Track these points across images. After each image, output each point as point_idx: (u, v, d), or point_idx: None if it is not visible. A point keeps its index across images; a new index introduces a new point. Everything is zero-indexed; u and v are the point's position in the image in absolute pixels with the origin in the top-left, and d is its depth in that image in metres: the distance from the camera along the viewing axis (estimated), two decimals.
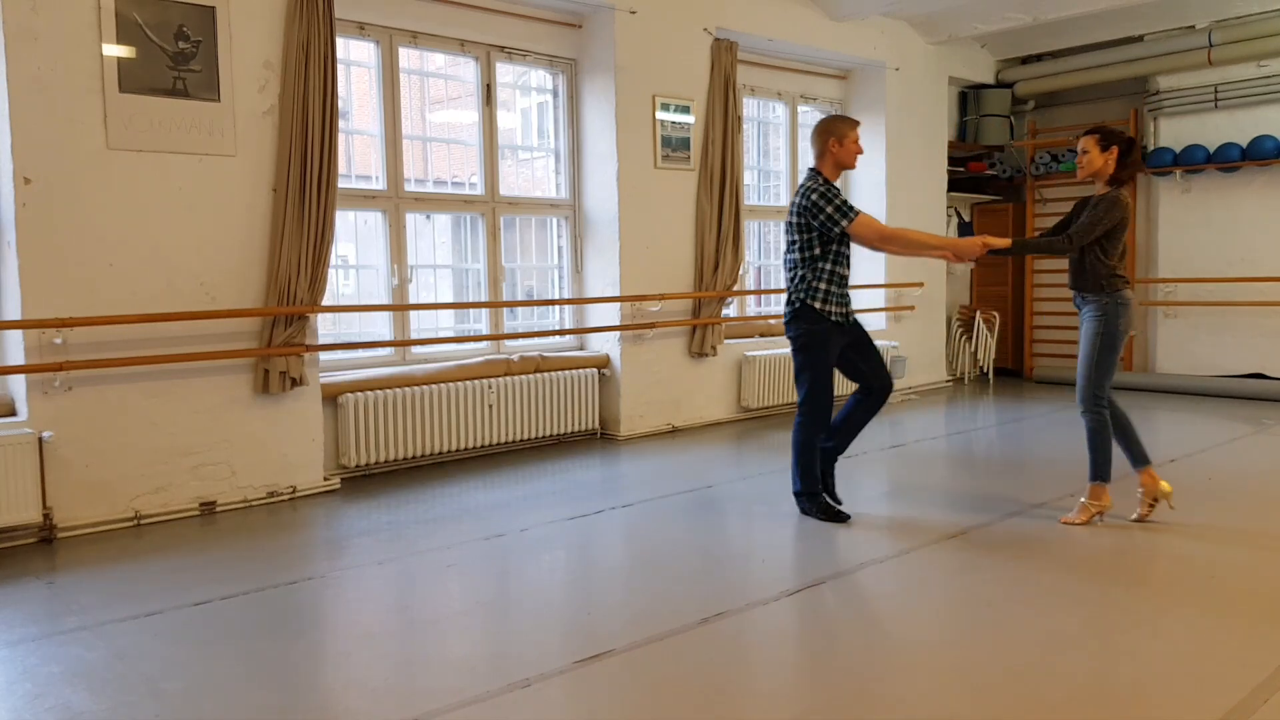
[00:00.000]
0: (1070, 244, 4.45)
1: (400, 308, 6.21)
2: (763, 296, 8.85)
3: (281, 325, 5.22)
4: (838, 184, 4.73)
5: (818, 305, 4.58)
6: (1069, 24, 8.79)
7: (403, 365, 6.18)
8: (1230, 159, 8.69)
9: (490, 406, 6.34)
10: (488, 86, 6.67)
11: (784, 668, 3.13)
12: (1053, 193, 10.07)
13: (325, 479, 5.53)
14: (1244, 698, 2.79)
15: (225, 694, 2.92)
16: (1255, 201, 8.78)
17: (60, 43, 4.53)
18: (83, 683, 2.99)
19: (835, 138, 4.63)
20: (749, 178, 8.39)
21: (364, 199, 6.12)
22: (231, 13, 5.01)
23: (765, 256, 8.76)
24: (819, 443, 4.73)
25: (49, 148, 4.53)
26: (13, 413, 4.65)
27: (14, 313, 4.52)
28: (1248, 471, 5.76)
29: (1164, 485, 4.63)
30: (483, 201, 6.71)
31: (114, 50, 4.67)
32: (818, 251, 4.58)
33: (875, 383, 4.75)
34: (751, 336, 8.18)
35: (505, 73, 6.86)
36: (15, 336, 4.57)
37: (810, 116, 8.90)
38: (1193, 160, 8.91)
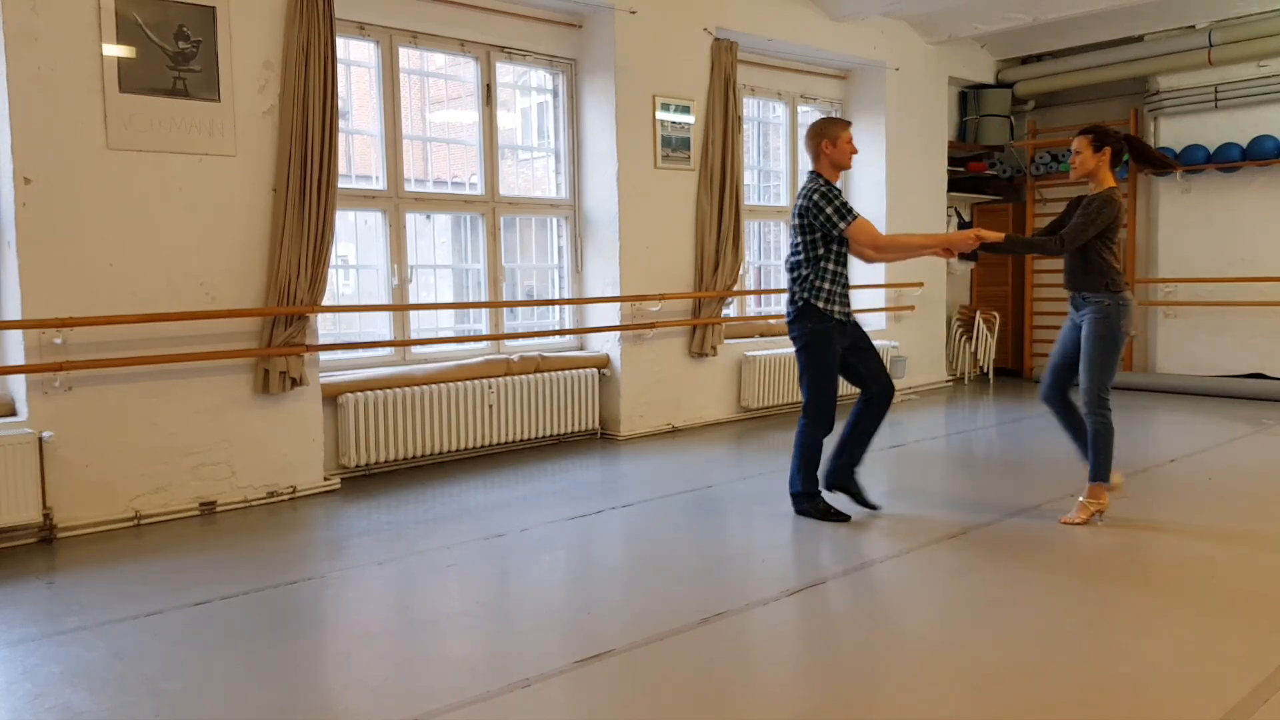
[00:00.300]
0: (1062, 245, 4.45)
1: (400, 308, 6.21)
2: (763, 296, 8.85)
3: (281, 325, 5.22)
4: (839, 184, 4.72)
5: (821, 305, 4.58)
6: (1069, 24, 8.78)
7: (403, 365, 6.18)
8: (1230, 159, 8.69)
9: (490, 406, 6.34)
10: (488, 86, 6.67)
11: (784, 668, 3.13)
12: (1053, 193, 10.06)
13: (325, 479, 5.53)
14: (1244, 698, 2.78)
15: (225, 694, 2.92)
16: (1255, 201, 8.78)
17: (60, 43, 4.53)
18: (83, 683, 2.99)
19: (828, 139, 4.64)
20: (749, 178, 8.39)
21: (364, 199, 6.12)
22: (231, 13, 5.01)
23: (765, 256, 8.76)
24: (822, 443, 4.73)
25: (49, 148, 4.52)
26: (13, 413, 4.65)
27: (14, 313, 4.52)
28: (1248, 471, 5.75)
29: (1116, 477, 4.67)
30: (483, 201, 6.71)
31: (114, 50, 4.67)
32: (820, 251, 4.58)
33: (875, 386, 4.75)
34: (751, 336, 8.18)
35: (505, 73, 6.86)
36: (15, 336, 4.57)
37: (810, 116, 8.90)
38: (1193, 160, 8.91)
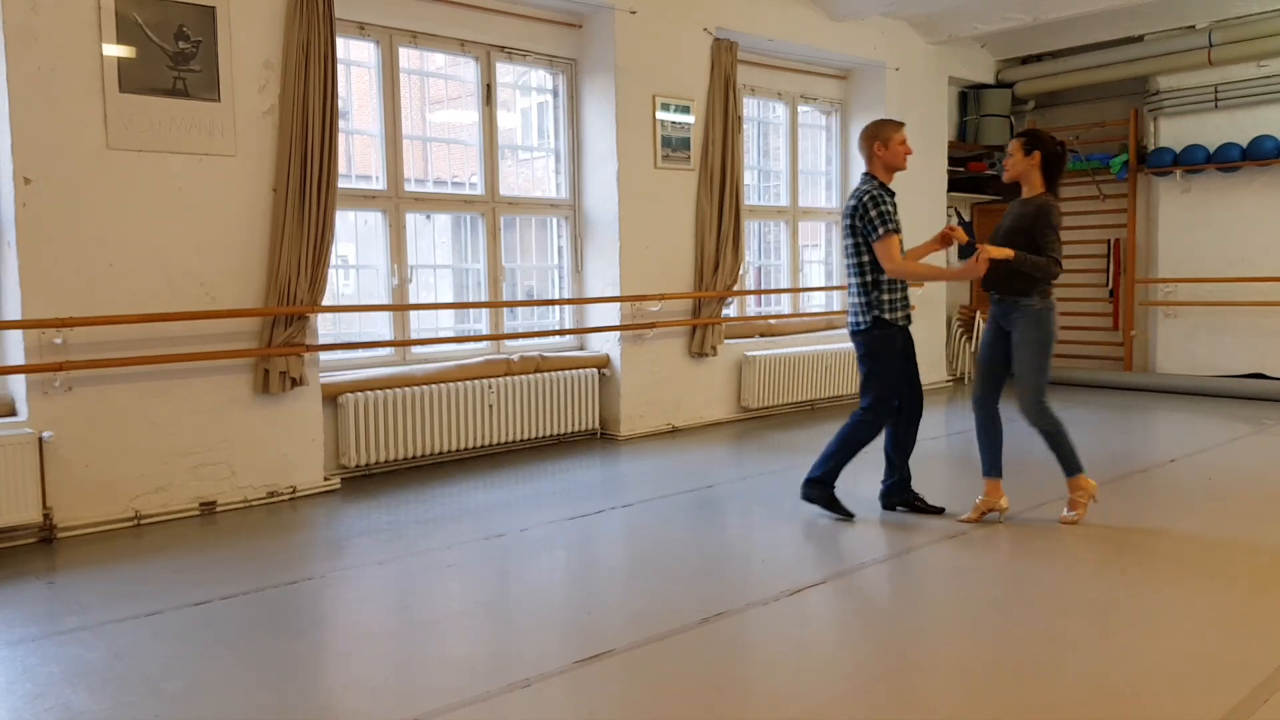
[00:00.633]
0: (1059, 268, 4.43)
1: (400, 308, 6.21)
2: (763, 296, 8.85)
3: (281, 325, 5.22)
4: (893, 184, 4.72)
5: (887, 316, 4.60)
6: (1069, 24, 8.78)
7: (403, 365, 6.18)
8: (1230, 159, 8.69)
9: (490, 406, 6.34)
10: (488, 86, 6.67)
11: (784, 668, 3.12)
12: None
13: (325, 479, 5.53)
14: (1244, 698, 2.79)
15: (225, 694, 2.93)
16: (1255, 201, 8.78)
17: (60, 43, 4.53)
18: (83, 683, 2.99)
19: (879, 141, 4.65)
20: (749, 178, 8.39)
21: (364, 199, 6.12)
22: (231, 13, 5.00)
23: (765, 256, 8.76)
24: (867, 444, 4.74)
25: (49, 148, 4.53)
26: (13, 413, 4.65)
27: (14, 313, 4.52)
28: (1248, 471, 5.75)
29: (1003, 502, 4.66)
30: (483, 201, 6.71)
31: (114, 50, 4.67)
32: (870, 257, 4.59)
33: (907, 393, 4.75)
34: (751, 336, 8.18)
35: (505, 73, 6.86)
36: (15, 336, 4.57)
37: (810, 116, 8.91)
38: (1193, 160, 8.91)
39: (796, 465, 6.11)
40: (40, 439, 4.50)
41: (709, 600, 3.64)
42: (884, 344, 4.64)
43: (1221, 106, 8.83)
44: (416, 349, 6.40)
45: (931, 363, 9.66)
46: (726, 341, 7.69)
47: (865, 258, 4.61)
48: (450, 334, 6.76)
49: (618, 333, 6.97)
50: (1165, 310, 9.35)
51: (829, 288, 9.08)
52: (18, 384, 4.64)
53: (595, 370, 6.98)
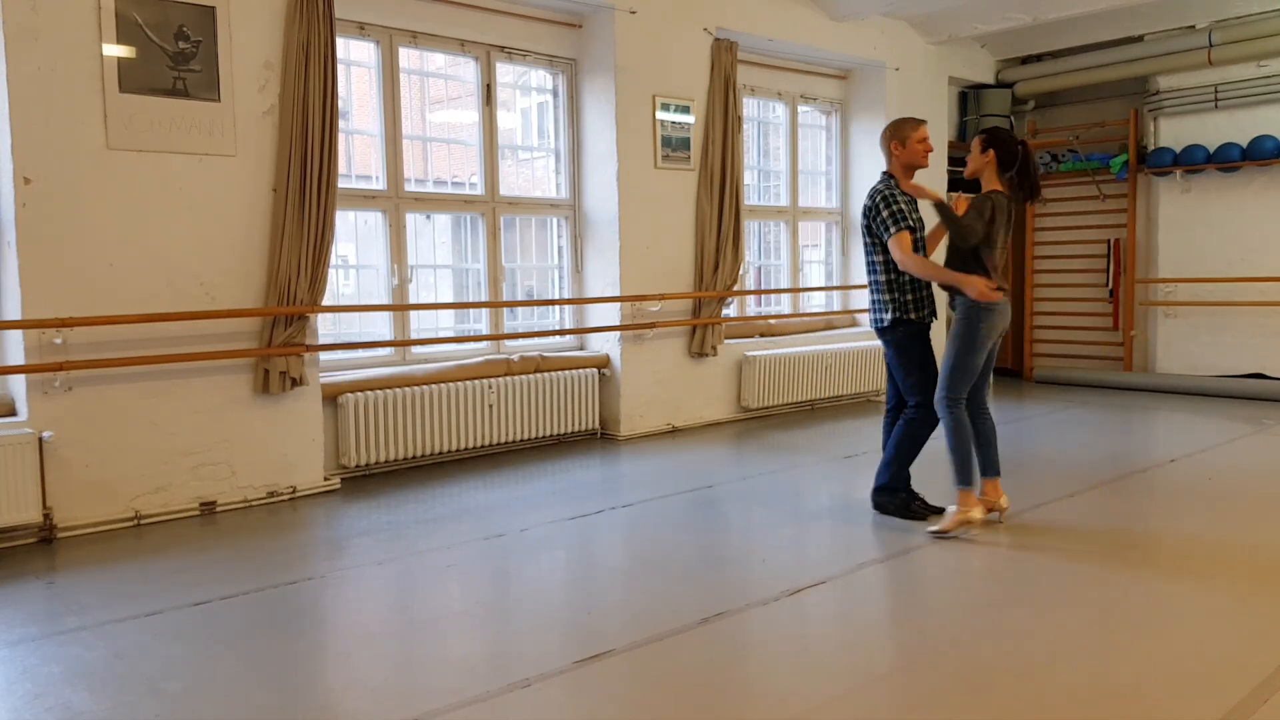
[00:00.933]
0: (973, 236, 4.40)
1: (400, 308, 6.21)
2: (763, 296, 8.85)
3: (281, 325, 5.22)
4: (919, 181, 4.74)
5: (913, 316, 4.62)
6: (1069, 24, 8.78)
7: (403, 365, 6.18)
8: (1230, 159, 8.69)
9: (490, 406, 6.34)
10: (488, 86, 6.67)
11: (784, 668, 3.12)
12: (1052, 192, 10.06)
13: (325, 479, 5.53)
14: (1244, 698, 2.79)
15: (225, 694, 2.93)
16: (1255, 201, 8.78)
17: (60, 43, 4.53)
18: (83, 683, 2.99)
19: (897, 141, 4.67)
20: (749, 178, 8.39)
21: (364, 199, 6.12)
22: (231, 13, 5.00)
23: (765, 256, 8.76)
24: (926, 439, 4.73)
25: (49, 148, 4.53)
26: (13, 413, 4.65)
27: (14, 313, 4.52)
28: (1248, 471, 5.75)
29: (1003, 501, 4.59)
30: (483, 201, 6.71)
31: (114, 50, 4.67)
32: (887, 257, 4.61)
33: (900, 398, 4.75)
34: (751, 336, 8.18)
35: (505, 73, 6.86)
36: (15, 336, 4.57)
37: (810, 116, 8.91)
38: (1193, 160, 8.91)
39: (797, 465, 6.12)
40: (40, 439, 4.50)
41: (709, 600, 3.64)
42: (908, 338, 4.64)
43: (1221, 106, 8.83)
44: (416, 349, 6.40)
45: None
46: (726, 341, 7.69)
47: (881, 257, 4.63)
48: (450, 334, 6.76)
49: (618, 333, 6.97)
50: (1165, 310, 9.35)
51: (829, 288, 9.08)
52: (18, 384, 4.64)
53: (595, 370, 6.98)
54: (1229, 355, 8.95)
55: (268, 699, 2.89)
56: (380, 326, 6.35)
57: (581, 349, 7.19)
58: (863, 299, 8.86)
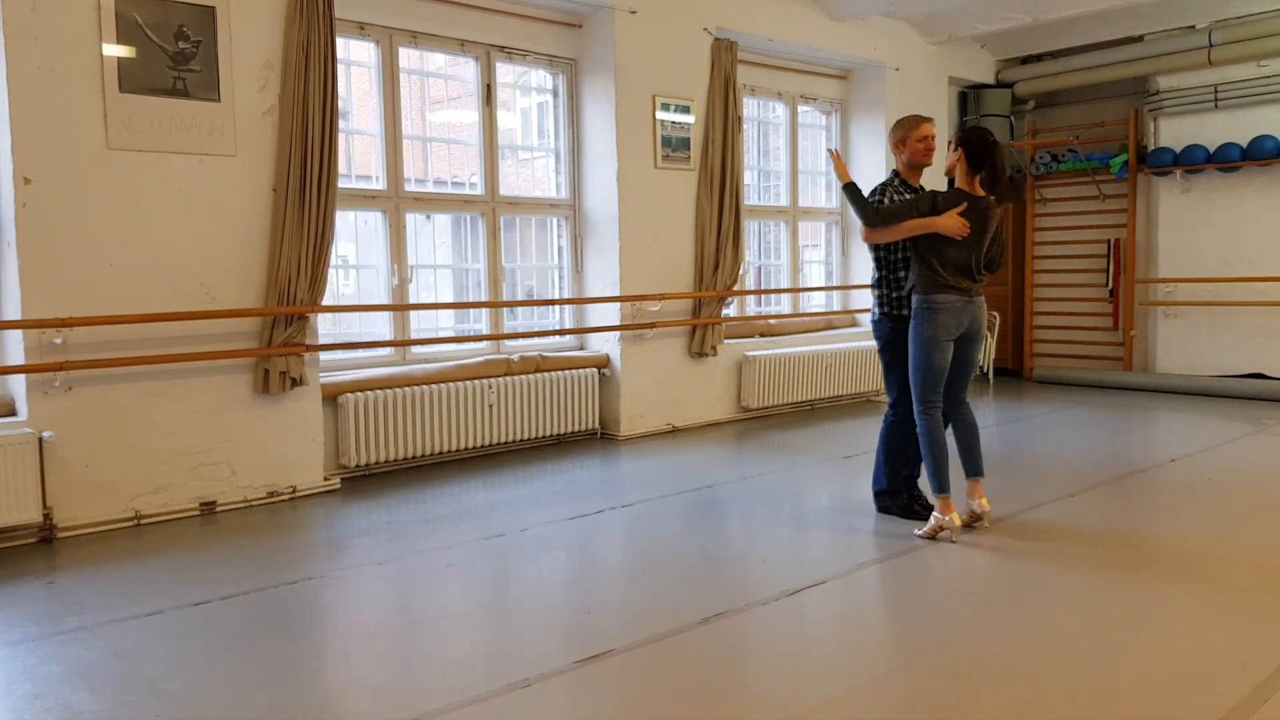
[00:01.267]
0: (875, 219, 4.41)
1: (400, 308, 6.21)
2: (762, 296, 8.86)
3: (281, 325, 5.22)
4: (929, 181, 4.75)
5: (899, 313, 4.62)
6: (1069, 24, 8.78)
7: (403, 365, 6.18)
8: (1230, 159, 8.69)
9: (490, 406, 6.34)
10: (488, 86, 6.67)
11: (784, 668, 3.12)
12: (1053, 192, 10.07)
13: (325, 479, 5.53)
14: (1244, 698, 2.79)
15: (225, 694, 2.93)
16: (1255, 201, 8.78)
17: (60, 43, 4.53)
18: (83, 683, 2.99)
19: (897, 140, 4.71)
20: (749, 178, 8.39)
21: (364, 199, 6.12)
22: (231, 13, 5.00)
23: (765, 256, 8.76)
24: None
25: (49, 148, 4.53)
26: (13, 413, 4.65)
27: (14, 313, 4.52)
28: (1248, 471, 5.75)
29: (984, 503, 4.49)
30: (483, 201, 6.71)
31: (114, 50, 4.67)
32: (891, 255, 4.61)
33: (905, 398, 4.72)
34: (751, 336, 8.19)
35: (505, 73, 6.86)
36: (15, 336, 4.57)
37: (810, 116, 8.92)
38: (1193, 160, 8.91)
39: (796, 465, 6.13)
40: (40, 439, 4.50)
41: (709, 600, 3.64)
42: (894, 335, 4.65)
43: (1221, 106, 8.83)
44: (416, 349, 6.40)
45: None
46: (726, 341, 7.69)
47: (879, 253, 4.64)
48: (450, 334, 6.76)
49: (618, 333, 6.97)
50: (1165, 310, 9.35)
51: (829, 288, 9.08)
52: (18, 384, 4.64)
53: (595, 370, 6.98)
54: (1229, 355, 8.95)
55: (268, 699, 2.89)
56: (380, 326, 6.35)
57: (581, 349, 7.19)
58: (862, 299, 8.88)
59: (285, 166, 5.17)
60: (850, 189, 4.53)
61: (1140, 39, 9.02)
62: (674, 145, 7.21)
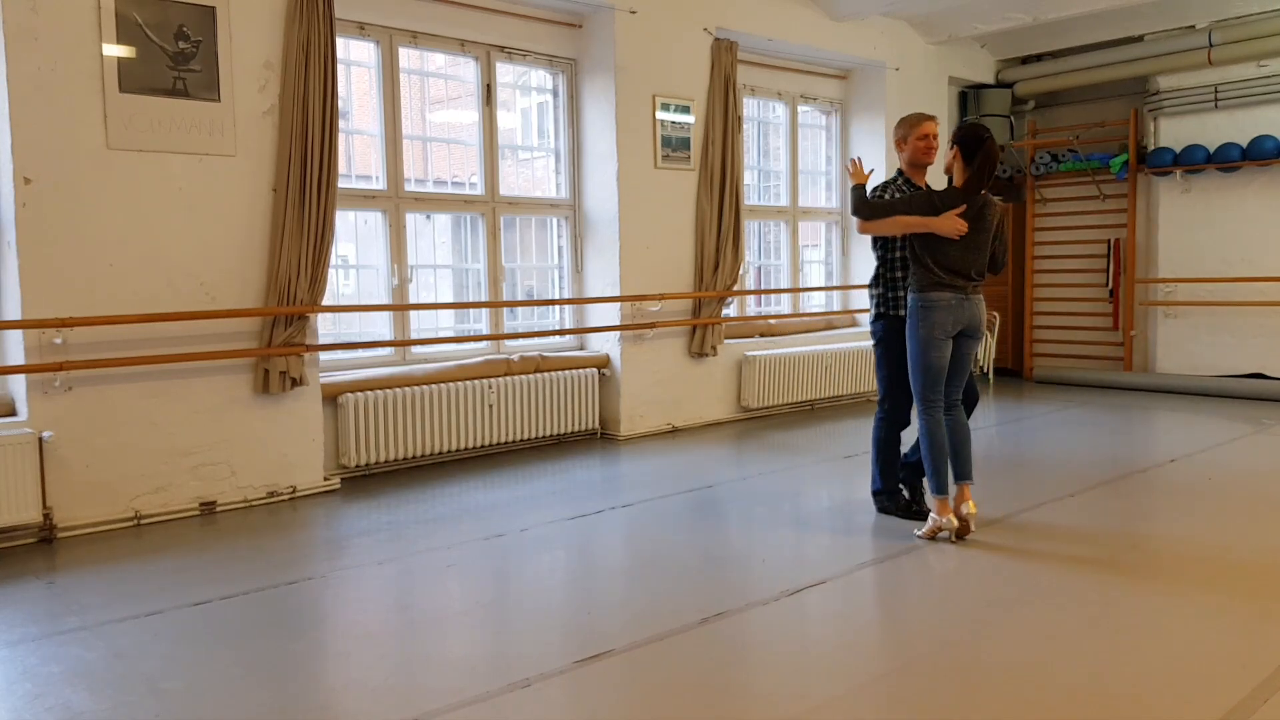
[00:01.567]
0: (865, 210, 4.44)
1: (400, 308, 6.21)
2: (762, 296, 8.86)
3: (281, 325, 5.22)
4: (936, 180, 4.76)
5: (895, 313, 4.62)
6: (1069, 24, 8.79)
7: (403, 365, 6.18)
8: (1230, 159, 8.69)
9: (490, 406, 6.34)
10: (488, 86, 6.67)
11: (784, 668, 3.13)
12: (1053, 192, 10.07)
13: (325, 479, 5.53)
14: (1244, 698, 2.79)
15: (225, 694, 2.93)
16: (1255, 201, 8.78)
17: (60, 43, 4.53)
18: (83, 683, 2.99)
19: (899, 139, 4.72)
20: (749, 178, 8.39)
21: (364, 199, 6.12)
22: (231, 13, 5.00)
23: (765, 256, 8.76)
24: (899, 438, 4.77)
25: (49, 148, 4.53)
26: (13, 413, 4.65)
27: (14, 313, 4.52)
28: (1248, 471, 5.75)
29: (970, 507, 4.41)
30: (483, 201, 6.71)
31: (114, 50, 4.67)
32: (883, 253, 4.62)
33: (904, 397, 4.73)
34: (751, 336, 8.19)
35: (505, 73, 6.86)
36: (15, 336, 4.57)
37: (810, 116, 8.92)
38: (1193, 160, 8.91)
39: (796, 465, 6.13)
40: (40, 439, 4.50)
41: (709, 600, 3.64)
42: (887, 333, 4.66)
43: (1221, 106, 8.83)
44: (416, 349, 6.40)
45: None
46: (726, 341, 7.69)
47: (880, 252, 4.64)
48: (450, 334, 6.76)
49: (618, 333, 6.97)
50: (1165, 310, 9.35)
51: (829, 288, 9.08)
52: (18, 384, 4.64)
53: (595, 370, 6.98)
54: (1229, 355, 8.95)
55: (268, 699, 2.89)
56: (380, 326, 6.35)
57: (581, 349, 7.19)
58: (862, 299, 8.87)
59: (285, 166, 5.17)
60: (857, 188, 4.55)
61: (1140, 39, 9.03)
62: (674, 145, 7.21)
